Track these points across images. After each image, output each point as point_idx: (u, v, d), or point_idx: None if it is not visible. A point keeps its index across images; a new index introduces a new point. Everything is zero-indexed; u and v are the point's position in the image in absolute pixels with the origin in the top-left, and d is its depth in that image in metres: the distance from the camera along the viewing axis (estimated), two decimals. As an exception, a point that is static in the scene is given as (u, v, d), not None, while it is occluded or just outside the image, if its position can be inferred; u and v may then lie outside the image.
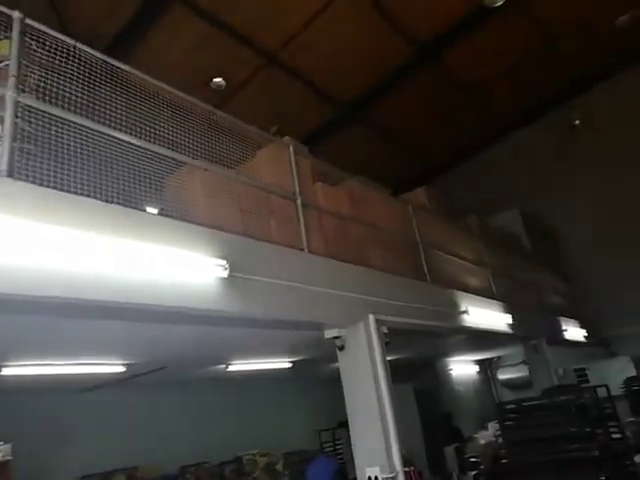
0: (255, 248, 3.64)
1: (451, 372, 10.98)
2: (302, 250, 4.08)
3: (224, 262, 3.15)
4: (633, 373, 9.18)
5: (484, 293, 6.89)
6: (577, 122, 10.40)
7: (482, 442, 7.31)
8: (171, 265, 2.90)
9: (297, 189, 4.31)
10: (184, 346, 4.67)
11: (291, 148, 4.52)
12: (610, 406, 6.59)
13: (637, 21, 9.48)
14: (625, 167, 10.68)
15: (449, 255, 6.52)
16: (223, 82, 8.33)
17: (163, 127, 3.30)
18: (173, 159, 3.33)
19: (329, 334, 4.32)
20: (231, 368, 6.14)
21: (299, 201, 4.26)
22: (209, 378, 6.72)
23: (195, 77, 8.02)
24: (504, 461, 5.35)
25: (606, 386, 7.00)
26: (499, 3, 6.44)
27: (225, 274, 3.15)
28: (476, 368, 11.45)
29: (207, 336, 4.36)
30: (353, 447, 4.11)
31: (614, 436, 6.07)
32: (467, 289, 6.49)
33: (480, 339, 7.39)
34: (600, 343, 10.59)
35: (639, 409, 6.35)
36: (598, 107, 10.70)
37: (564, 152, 11.51)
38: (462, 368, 11.12)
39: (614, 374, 8.58)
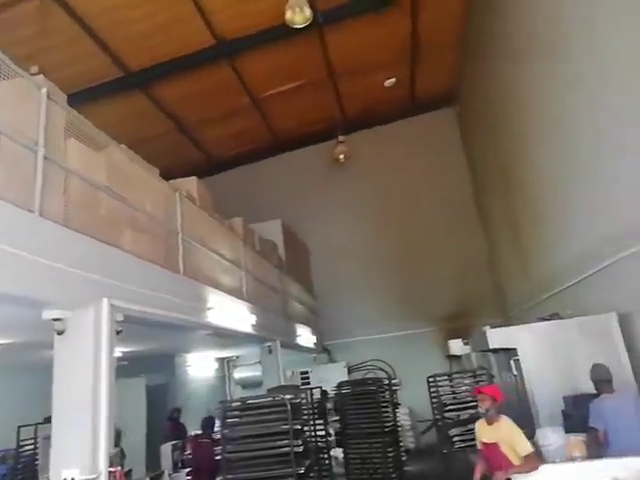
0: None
1: (190, 368, 10.91)
2: (32, 212, 3.43)
3: None
4: (346, 377, 10.71)
5: (235, 293, 7.04)
6: (341, 157, 11.71)
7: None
8: None
9: (41, 139, 3.62)
10: None
11: (44, 90, 3.80)
12: (322, 406, 7.47)
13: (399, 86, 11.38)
14: (367, 205, 12.57)
15: (208, 250, 6.45)
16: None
17: None
18: None
19: (48, 315, 3.70)
20: None
21: (41, 153, 3.59)
22: None
23: None
24: (218, 457, 5.46)
25: (321, 387, 7.94)
26: (298, 25, 6.79)
27: None
28: (215, 365, 11.65)
29: None
30: (52, 445, 3.58)
31: (320, 432, 6.91)
32: (219, 286, 6.52)
33: (224, 337, 7.51)
34: (324, 350, 12.06)
35: (341, 409, 7.34)
36: (359, 149, 12.31)
37: (326, 180, 12.93)
38: (202, 364, 11.16)
39: (330, 377, 9.81)
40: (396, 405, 7.95)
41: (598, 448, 4.07)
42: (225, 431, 5.09)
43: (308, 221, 12.72)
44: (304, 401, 5.49)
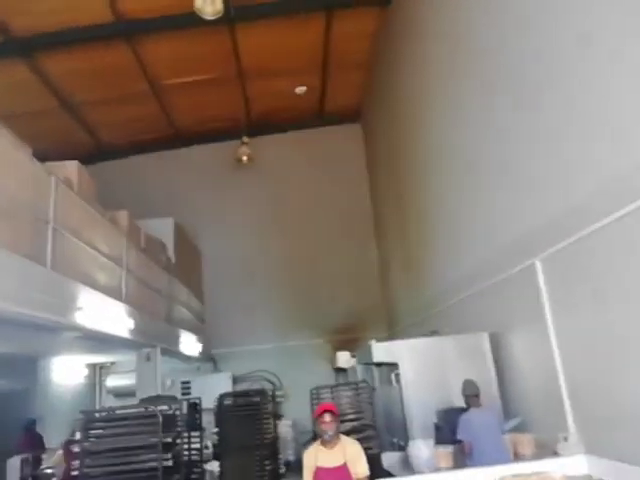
0: None
1: (55, 373, 9.84)
2: None
3: None
4: (231, 388, 10.33)
5: (112, 293, 6.43)
6: (244, 158, 11.43)
7: (60, 452, 6.61)
8: None
9: None
10: None
11: None
12: (198, 417, 7.08)
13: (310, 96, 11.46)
14: (265, 212, 12.44)
15: (83, 243, 5.82)
16: None
17: None
18: None
19: None
20: None
21: None
22: None
23: None
24: (75, 473, 4.88)
25: (199, 399, 7.52)
26: (208, 17, 6.49)
27: None
28: (85, 372, 10.62)
29: None
30: None
31: (194, 445, 6.52)
32: (94, 284, 5.91)
33: (96, 341, 6.83)
34: (210, 359, 11.56)
35: (221, 420, 7.03)
36: (263, 153, 12.12)
37: (225, 183, 12.54)
38: (70, 370, 10.11)
39: (214, 388, 9.38)
40: (278, 417, 7.81)
41: (464, 459, 4.27)
42: (85, 444, 4.58)
43: (203, 222, 12.20)
44: (178, 412, 5.12)
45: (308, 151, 12.71)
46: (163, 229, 10.04)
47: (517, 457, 4.41)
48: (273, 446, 7.32)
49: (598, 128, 3.62)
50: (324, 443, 3.90)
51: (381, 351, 5.56)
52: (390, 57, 9.44)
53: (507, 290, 5.16)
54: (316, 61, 10.30)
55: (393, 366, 5.41)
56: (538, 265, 4.47)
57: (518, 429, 4.76)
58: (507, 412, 5.09)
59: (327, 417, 3.86)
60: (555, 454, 4.07)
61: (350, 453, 3.84)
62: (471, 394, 4.46)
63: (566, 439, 4.05)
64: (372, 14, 9.25)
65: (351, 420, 5.53)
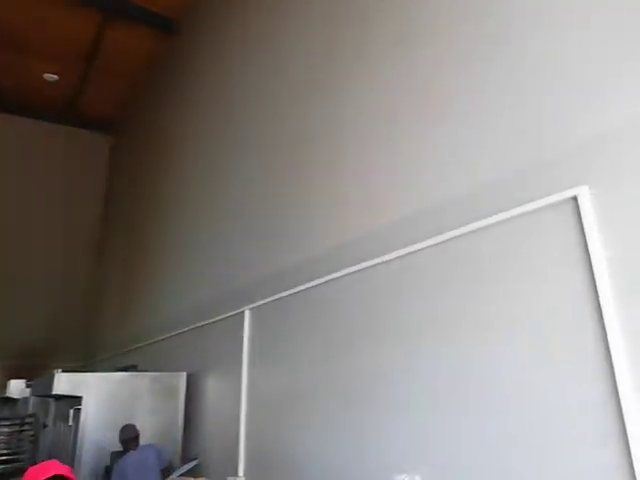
0: None
1: None
2: None
3: None
4: None
5: None
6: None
7: None
8: None
9: None
10: None
11: None
12: None
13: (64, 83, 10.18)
14: None
15: None
16: None
17: None
18: None
19: None
20: None
21: None
22: None
23: None
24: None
25: None
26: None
27: None
28: None
29: None
30: None
31: None
32: None
33: None
34: None
35: None
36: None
37: None
38: None
39: None
40: None
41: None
42: None
43: None
44: None
45: (50, 148, 11.11)
46: None
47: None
48: None
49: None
50: None
51: (67, 382, 4.91)
52: (159, 86, 9.26)
53: (215, 334, 5.34)
54: (79, 56, 9.35)
55: (75, 400, 4.85)
56: (247, 314, 4.79)
57: (194, 472, 4.80)
58: (188, 454, 5.10)
59: None
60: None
61: None
62: (127, 438, 4.32)
63: (232, 484, 4.27)
64: (151, 36, 9.00)
65: (6, 462, 4.63)
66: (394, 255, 3.04)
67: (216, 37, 7.04)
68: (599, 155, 2.01)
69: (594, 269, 1.93)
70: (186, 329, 6.01)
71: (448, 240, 2.65)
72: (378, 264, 3.19)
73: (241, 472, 4.35)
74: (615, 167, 1.95)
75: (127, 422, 4.51)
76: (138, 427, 4.41)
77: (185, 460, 4.90)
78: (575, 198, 2.04)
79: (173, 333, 6.35)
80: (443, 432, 2.46)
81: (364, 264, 3.31)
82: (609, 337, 1.84)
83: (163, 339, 6.67)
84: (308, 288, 3.88)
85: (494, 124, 2.54)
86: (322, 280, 3.72)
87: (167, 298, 7.16)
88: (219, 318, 5.25)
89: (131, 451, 4.25)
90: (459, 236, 2.58)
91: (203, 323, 5.57)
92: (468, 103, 2.73)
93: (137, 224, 9.04)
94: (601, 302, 1.89)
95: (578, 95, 2.13)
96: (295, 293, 4.06)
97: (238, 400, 4.55)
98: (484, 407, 2.26)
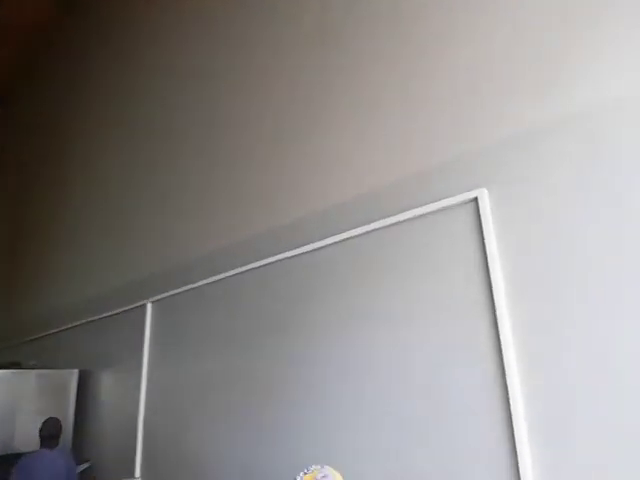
0: None
1: None
2: None
3: None
4: None
5: None
6: None
7: None
8: None
9: None
10: None
11: None
12: None
13: None
14: None
15: None
16: None
17: None
18: None
19: None
20: None
21: None
22: None
23: None
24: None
25: None
26: None
27: None
28: None
29: None
30: None
31: None
32: None
33: None
34: None
35: None
36: None
37: None
38: None
39: None
40: None
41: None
42: None
43: None
44: None
45: None
46: None
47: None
48: None
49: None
50: None
51: None
52: (57, 57, 8.44)
53: (113, 329, 5.03)
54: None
55: None
56: (148, 307, 4.57)
57: (86, 474, 4.50)
58: (80, 455, 4.77)
59: None
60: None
61: None
62: (49, 434, 3.95)
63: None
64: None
65: None
66: (300, 251, 3.08)
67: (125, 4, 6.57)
68: (498, 160, 2.21)
69: (489, 264, 2.12)
70: (78, 323, 5.59)
71: (356, 236, 2.75)
72: (279, 260, 3.21)
73: (137, 473, 4.15)
74: (510, 172, 2.16)
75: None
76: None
77: (76, 463, 4.56)
78: (476, 199, 2.23)
79: (62, 328, 5.87)
80: (346, 422, 2.56)
81: (266, 260, 3.32)
82: (499, 325, 2.05)
83: (52, 333, 6.14)
84: (214, 281, 3.80)
85: (404, 128, 2.67)
86: (227, 274, 3.66)
87: (58, 287, 6.59)
88: (118, 311, 4.95)
89: (45, 450, 3.82)
90: (368, 232, 2.68)
91: (99, 316, 5.22)
92: (381, 105, 2.84)
93: (25, 205, 8.20)
94: (494, 293, 2.08)
95: (484, 102, 2.32)
96: (199, 286, 3.96)
97: (137, 398, 4.34)
98: (397, 395, 2.38)
